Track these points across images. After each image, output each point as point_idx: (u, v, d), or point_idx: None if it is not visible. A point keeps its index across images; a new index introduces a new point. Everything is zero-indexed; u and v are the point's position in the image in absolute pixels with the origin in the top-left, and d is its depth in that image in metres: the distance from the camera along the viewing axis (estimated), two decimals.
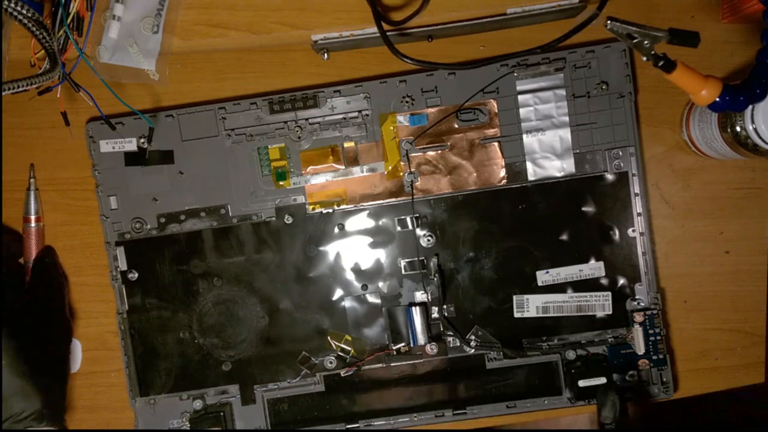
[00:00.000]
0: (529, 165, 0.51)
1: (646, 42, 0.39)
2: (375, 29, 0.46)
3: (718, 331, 0.53)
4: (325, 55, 0.50)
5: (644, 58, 0.39)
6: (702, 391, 0.53)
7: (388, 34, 0.45)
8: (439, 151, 0.51)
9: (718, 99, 0.40)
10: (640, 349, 0.51)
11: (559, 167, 0.51)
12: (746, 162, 0.52)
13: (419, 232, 0.52)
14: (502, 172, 0.51)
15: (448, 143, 0.51)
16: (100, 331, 0.54)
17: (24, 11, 0.41)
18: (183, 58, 0.52)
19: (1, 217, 0.54)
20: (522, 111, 0.51)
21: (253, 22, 0.47)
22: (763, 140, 0.44)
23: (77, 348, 0.54)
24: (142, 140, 0.51)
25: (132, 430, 0.53)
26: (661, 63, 0.39)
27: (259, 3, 0.47)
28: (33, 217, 0.53)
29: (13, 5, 0.40)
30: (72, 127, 0.51)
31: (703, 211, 0.53)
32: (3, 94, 0.41)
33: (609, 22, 0.38)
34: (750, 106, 0.43)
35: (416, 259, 0.52)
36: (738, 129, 0.45)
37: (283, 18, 0.47)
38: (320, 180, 0.52)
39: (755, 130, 0.44)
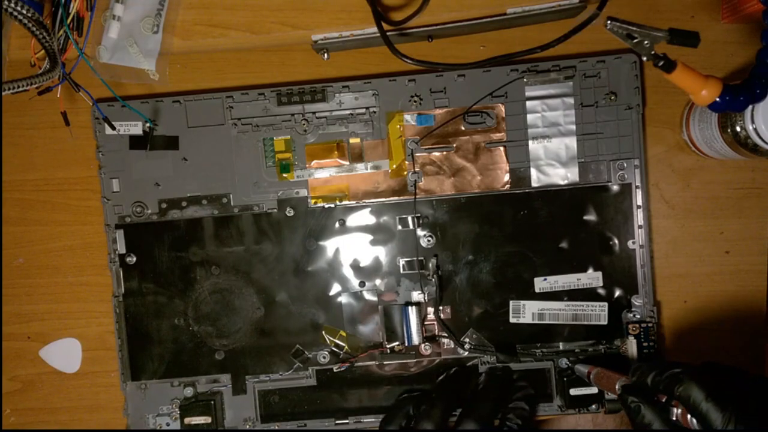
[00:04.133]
0: (533, 171, 0.51)
1: (646, 42, 0.38)
2: (375, 29, 0.45)
3: (718, 331, 0.52)
4: (325, 55, 0.50)
5: (644, 58, 0.39)
6: None
7: (388, 34, 0.45)
8: (445, 153, 0.51)
9: (718, 99, 0.40)
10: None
11: (563, 175, 0.51)
12: (746, 162, 0.51)
13: (420, 232, 0.51)
14: (506, 177, 0.51)
15: (454, 145, 0.51)
16: (100, 331, 0.54)
17: (24, 11, 0.41)
18: (183, 58, 0.52)
19: (1, 217, 0.54)
20: (529, 117, 0.51)
21: (253, 22, 0.47)
22: (763, 140, 0.43)
23: (77, 348, 0.54)
24: (147, 124, 0.51)
25: (131, 430, 0.53)
26: (661, 63, 0.39)
27: (259, 3, 0.47)
28: None
29: (13, 5, 0.40)
30: (72, 127, 0.50)
31: (703, 211, 0.52)
32: (3, 94, 0.41)
33: (609, 22, 0.38)
34: (750, 106, 0.43)
35: (415, 258, 0.52)
36: (738, 129, 0.45)
37: (283, 18, 0.47)
38: (324, 174, 0.51)
39: (755, 130, 0.43)
